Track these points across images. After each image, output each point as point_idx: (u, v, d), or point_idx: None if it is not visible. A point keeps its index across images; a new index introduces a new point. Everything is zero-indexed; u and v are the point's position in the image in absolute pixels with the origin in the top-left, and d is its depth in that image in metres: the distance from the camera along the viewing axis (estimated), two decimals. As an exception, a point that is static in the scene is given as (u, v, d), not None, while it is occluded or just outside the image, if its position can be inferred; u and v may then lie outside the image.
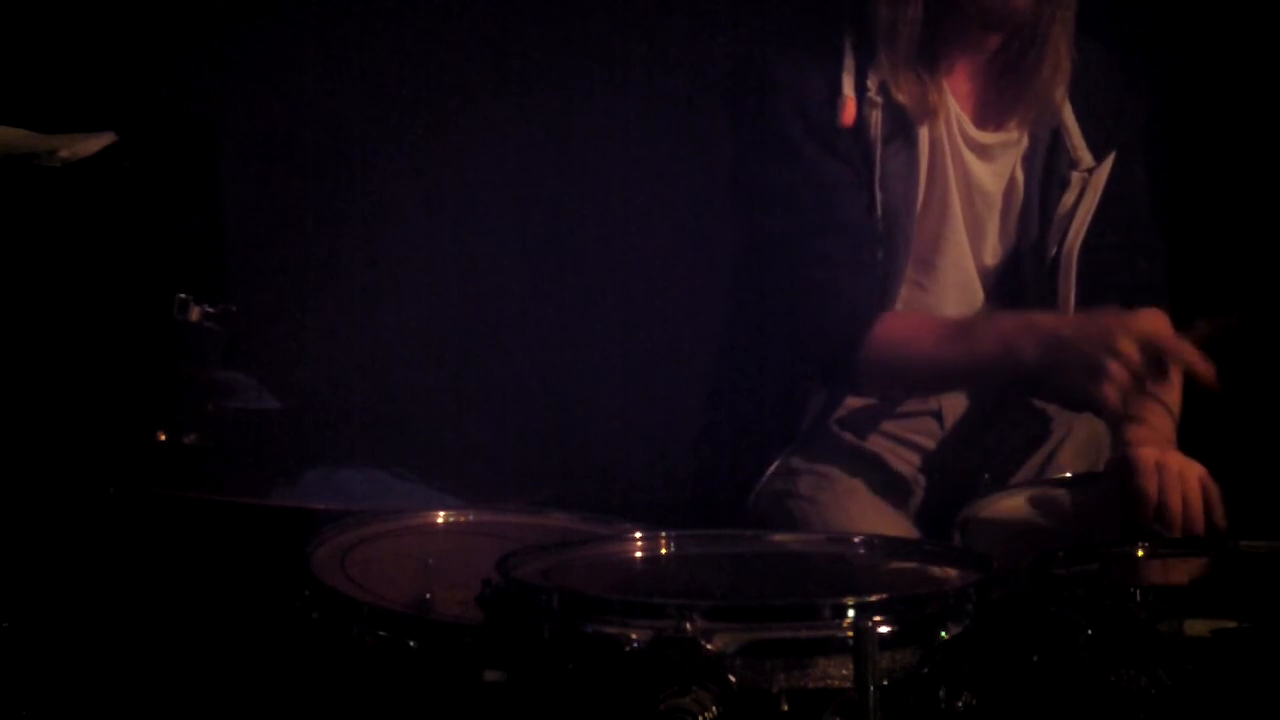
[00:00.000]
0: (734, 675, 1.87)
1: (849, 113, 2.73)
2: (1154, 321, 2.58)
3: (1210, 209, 3.54)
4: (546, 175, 3.90)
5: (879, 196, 2.75)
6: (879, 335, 2.71)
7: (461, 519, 2.54)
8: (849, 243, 2.74)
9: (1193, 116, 3.54)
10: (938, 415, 2.94)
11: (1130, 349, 2.52)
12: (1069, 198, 2.84)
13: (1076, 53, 2.78)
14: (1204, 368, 2.52)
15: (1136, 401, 2.61)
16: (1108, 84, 2.87)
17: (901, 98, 2.73)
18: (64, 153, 2.99)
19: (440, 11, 3.85)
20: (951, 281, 2.85)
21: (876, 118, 2.74)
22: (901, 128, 2.75)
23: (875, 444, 2.90)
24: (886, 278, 2.78)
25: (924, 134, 2.77)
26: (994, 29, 2.75)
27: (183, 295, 2.64)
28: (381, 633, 2.21)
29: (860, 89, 2.73)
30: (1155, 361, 2.55)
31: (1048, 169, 2.84)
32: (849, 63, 2.74)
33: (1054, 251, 2.85)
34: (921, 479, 2.89)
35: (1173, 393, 2.74)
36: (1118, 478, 2.59)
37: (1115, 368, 2.52)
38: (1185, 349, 2.53)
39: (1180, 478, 2.56)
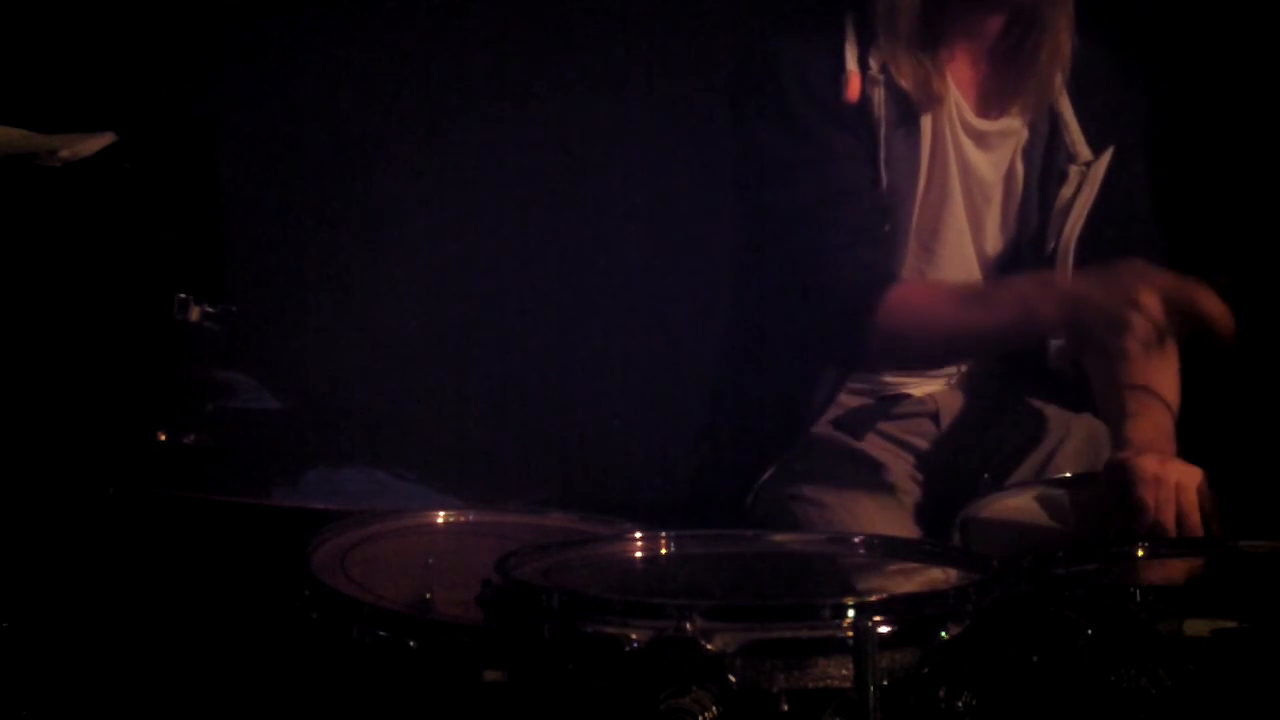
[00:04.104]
0: (734, 675, 1.87)
1: (854, 87, 2.72)
2: (1173, 275, 2.54)
3: (1208, 205, 3.54)
4: (546, 175, 3.90)
5: (884, 174, 2.74)
6: (894, 302, 2.67)
7: (461, 519, 2.54)
8: (853, 212, 2.71)
9: (1191, 113, 3.54)
10: (934, 417, 2.94)
11: (1152, 300, 2.48)
12: (1067, 191, 2.84)
13: (1076, 44, 2.78)
14: (1226, 320, 2.46)
15: (1137, 397, 2.60)
16: (1106, 80, 2.87)
17: (904, 82, 2.73)
18: (64, 153, 2.99)
19: (440, 11, 3.85)
20: (952, 269, 2.84)
21: (880, 95, 2.73)
22: (905, 111, 2.75)
23: (871, 445, 2.90)
24: (892, 253, 2.77)
25: (926, 120, 2.77)
26: (995, 11, 2.75)
27: (183, 295, 2.64)
28: (381, 633, 2.21)
29: (863, 66, 2.73)
30: (1175, 315, 2.50)
31: (1046, 162, 2.84)
32: (851, 40, 2.74)
33: (1052, 244, 2.85)
34: (918, 480, 2.89)
35: (1172, 390, 2.74)
36: (1116, 484, 2.57)
37: (1137, 319, 2.49)
38: (1208, 299, 2.48)
39: (1178, 490, 2.53)
